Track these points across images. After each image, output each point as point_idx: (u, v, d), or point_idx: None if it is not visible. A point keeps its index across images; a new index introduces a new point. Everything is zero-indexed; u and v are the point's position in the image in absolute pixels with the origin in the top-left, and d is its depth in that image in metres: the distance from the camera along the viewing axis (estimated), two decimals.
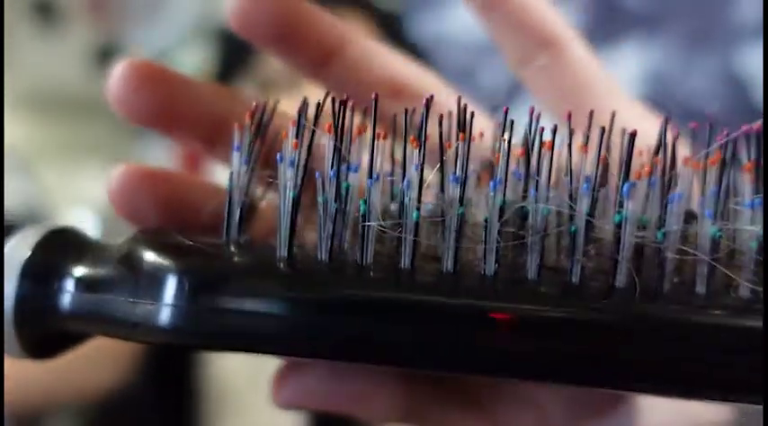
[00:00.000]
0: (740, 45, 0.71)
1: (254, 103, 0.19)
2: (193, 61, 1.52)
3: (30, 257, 0.19)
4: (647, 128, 0.24)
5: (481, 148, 0.20)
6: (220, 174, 0.23)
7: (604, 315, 0.16)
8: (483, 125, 0.24)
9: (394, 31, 0.72)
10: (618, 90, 0.25)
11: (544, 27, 0.24)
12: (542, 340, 0.16)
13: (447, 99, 0.24)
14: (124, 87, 0.21)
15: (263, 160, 0.19)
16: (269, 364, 0.23)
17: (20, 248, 0.19)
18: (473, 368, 0.17)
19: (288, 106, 0.21)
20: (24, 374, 0.55)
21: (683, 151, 0.19)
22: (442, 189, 0.17)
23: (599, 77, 0.25)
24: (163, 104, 0.21)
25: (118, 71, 0.21)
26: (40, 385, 0.61)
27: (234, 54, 0.75)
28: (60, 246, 0.19)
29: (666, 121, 0.17)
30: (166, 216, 0.21)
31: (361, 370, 0.22)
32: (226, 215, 0.18)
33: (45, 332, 0.19)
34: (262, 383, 0.26)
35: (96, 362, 0.64)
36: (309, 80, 0.24)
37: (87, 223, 2.04)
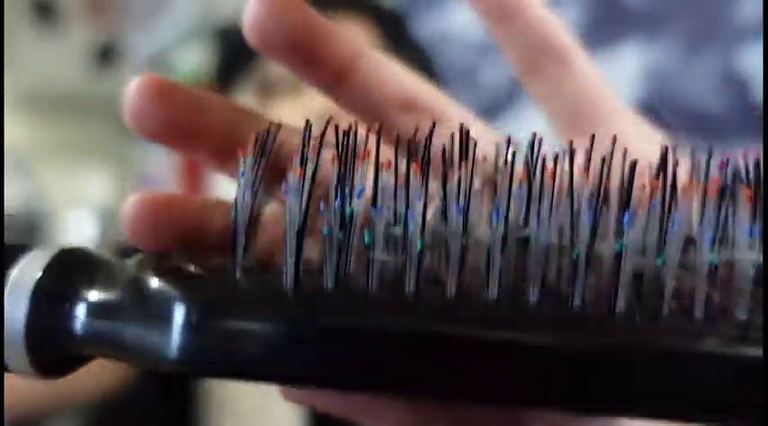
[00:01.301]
0: (740, 45, 0.71)
1: (257, 132, 0.19)
2: (193, 61, 1.53)
3: (41, 278, 0.19)
4: (646, 144, 0.24)
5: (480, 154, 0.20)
6: (221, 178, 0.24)
7: (603, 343, 0.17)
8: (483, 135, 0.24)
9: (396, 30, 0.72)
10: (618, 104, 0.26)
11: (553, 40, 0.25)
12: (542, 367, 0.17)
13: (454, 114, 0.24)
14: (140, 102, 0.21)
15: (270, 174, 0.19)
16: None
17: (31, 269, 0.19)
18: (478, 395, 0.17)
19: (290, 109, 0.22)
20: None
21: (683, 165, 0.20)
22: (445, 217, 0.17)
23: (602, 92, 0.25)
24: (178, 119, 0.22)
25: (134, 86, 0.21)
26: (42, 386, 0.61)
27: (234, 54, 0.75)
28: (71, 267, 0.20)
29: (667, 150, 0.18)
30: (180, 240, 0.21)
31: None
32: (231, 241, 0.19)
33: (56, 354, 0.19)
34: (262, 384, 0.26)
35: (98, 363, 0.64)
36: (323, 94, 0.24)
37: (87, 222, 2.04)
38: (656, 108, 0.26)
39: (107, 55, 2.06)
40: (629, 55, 0.79)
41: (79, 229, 1.94)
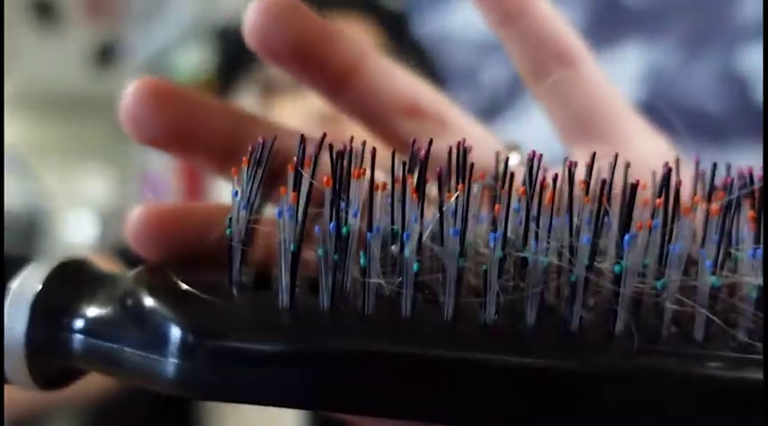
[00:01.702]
0: (740, 45, 0.71)
1: (251, 146, 0.18)
2: (193, 61, 1.53)
3: (40, 291, 0.19)
4: (654, 149, 0.24)
5: (481, 161, 0.20)
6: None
7: (599, 369, 0.16)
8: (482, 138, 0.24)
9: (398, 29, 0.72)
10: (627, 108, 0.25)
11: (561, 42, 0.24)
12: (538, 392, 0.16)
13: (457, 119, 0.24)
14: (136, 106, 0.21)
15: (267, 181, 0.19)
16: None
17: (31, 281, 0.19)
18: (472, 419, 0.17)
19: (291, 109, 0.21)
20: None
21: (687, 173, 0.19)
22: (441, 242, 0.17)
23: (609, 92, 0.25)
24: (175, 124, 0.21)
25: (130, 90, 0.21)
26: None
27: (234, 54, 0.75)
28: (70, 281, 0.20)
29: (670, 170, 0.17)
30: (183, 249, 0.21)
31: None
32: (228, 258, 0.18)
33: (55, 366, 0.20)
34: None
35: None
36: (324, 99, 0.24)
37: (87, 222, 2.04)
38: (657, 108, 0.26)
39: (107, 55, 2.06)
40: (629, 55, 0.79)
41: (79, 229, 1.94)
